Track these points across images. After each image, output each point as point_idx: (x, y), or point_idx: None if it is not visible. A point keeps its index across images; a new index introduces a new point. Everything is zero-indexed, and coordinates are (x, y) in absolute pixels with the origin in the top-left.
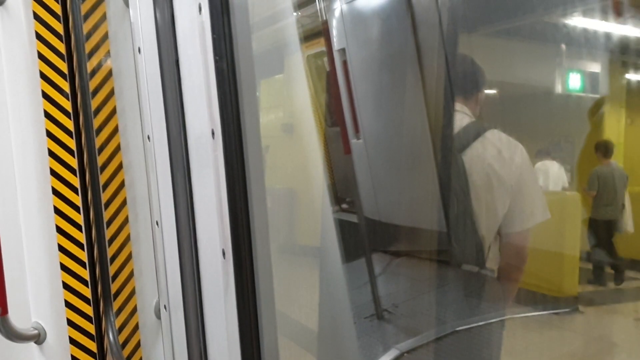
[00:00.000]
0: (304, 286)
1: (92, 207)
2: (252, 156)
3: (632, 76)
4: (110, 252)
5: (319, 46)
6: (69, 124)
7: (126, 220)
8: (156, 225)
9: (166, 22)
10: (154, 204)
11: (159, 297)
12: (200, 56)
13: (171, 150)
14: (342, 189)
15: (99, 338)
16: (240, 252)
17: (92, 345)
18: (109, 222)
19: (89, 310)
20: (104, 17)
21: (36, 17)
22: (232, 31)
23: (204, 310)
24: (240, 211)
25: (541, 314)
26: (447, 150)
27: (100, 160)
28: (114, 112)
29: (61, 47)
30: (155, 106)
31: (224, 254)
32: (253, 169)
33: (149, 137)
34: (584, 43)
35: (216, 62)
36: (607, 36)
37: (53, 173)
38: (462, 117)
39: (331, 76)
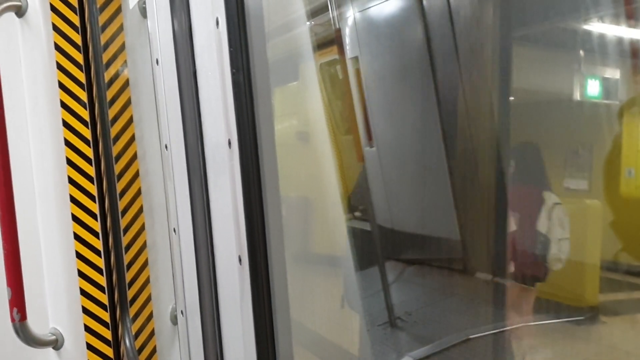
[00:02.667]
0: (318, 293)
1: (110, 215)
2: (268, 165)
3: None
4: (127, 259)
5: (332, 54)
6: (87, 133)
7: (143, 228)
8: (173, 233)
9: (184, 34)
10: (172, 212)
11: (175, 303)
12: (217, 68)
13: (188, 159)
14: (355, 197)
15: (116, 344)
16: (256, 259)
17: (109, 351)
18: (126, 229)
19: (105, 316)
20: (121, 28)
21: (55, 28)
22: (248, 44)
23: (221, 316)
24: (256, 218)
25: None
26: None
27: (117, 168)
28: (130, 121)
29: (79, 57)
30: (173, 116)
31: (240, 260)
32: (268, 178)
33: (166, 147)
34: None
35: (233, 74)
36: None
37: (71, 181)
38: None
39: (344, 84)
